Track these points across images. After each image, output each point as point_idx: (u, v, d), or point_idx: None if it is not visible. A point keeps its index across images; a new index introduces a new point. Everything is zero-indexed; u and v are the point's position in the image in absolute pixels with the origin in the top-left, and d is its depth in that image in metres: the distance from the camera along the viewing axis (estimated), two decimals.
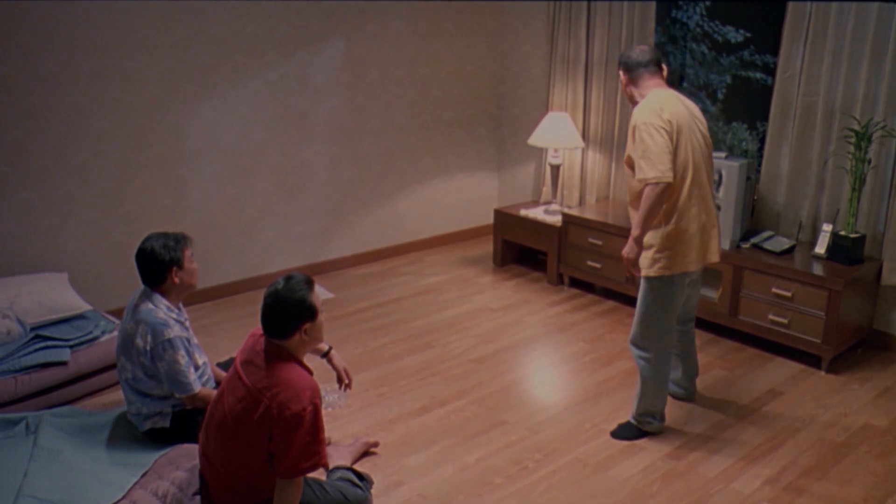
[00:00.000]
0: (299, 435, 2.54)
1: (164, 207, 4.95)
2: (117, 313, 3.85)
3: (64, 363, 3.79)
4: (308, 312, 2.64)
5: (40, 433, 3.33)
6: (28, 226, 4.45)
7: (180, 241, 3.30)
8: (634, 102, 3.44)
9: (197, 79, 4.90)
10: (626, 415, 3.83)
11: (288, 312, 2.63)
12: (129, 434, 3.42)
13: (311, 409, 2.56)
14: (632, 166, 3.35)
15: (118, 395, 3.75)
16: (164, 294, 3.31)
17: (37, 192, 4.45)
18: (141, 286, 3.34)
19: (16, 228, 4.42)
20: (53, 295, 4.12)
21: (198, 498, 2.91)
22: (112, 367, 3.80)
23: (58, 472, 3.09)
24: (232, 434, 2.65)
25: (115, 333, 3.66)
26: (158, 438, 3.34)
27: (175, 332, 3.22)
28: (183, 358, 3.22)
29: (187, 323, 3.43)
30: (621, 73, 3.48)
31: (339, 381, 3.27)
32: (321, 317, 2.70)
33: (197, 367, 3.36)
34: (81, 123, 4.52)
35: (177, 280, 3.29)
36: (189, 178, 5.03)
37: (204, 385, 3.39)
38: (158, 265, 3.25)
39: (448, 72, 6.18)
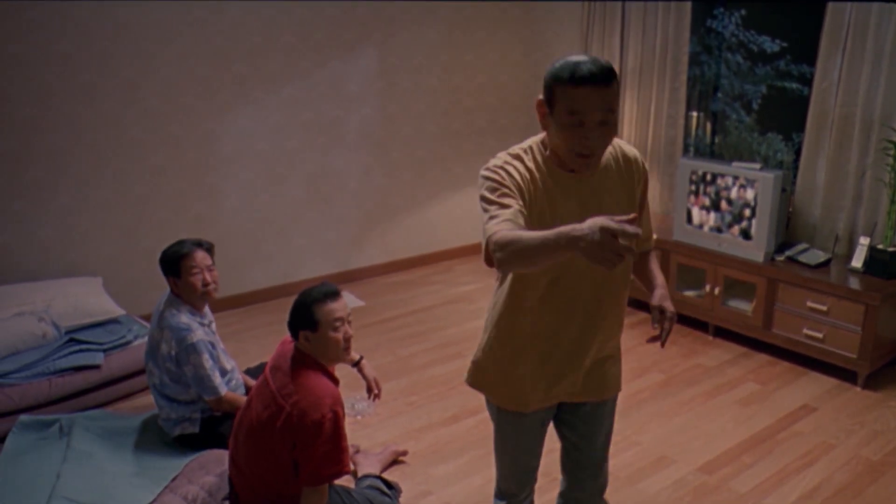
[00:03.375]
0: (320, 443, 2.54)
1: (197, 214, 4.99)
2: (150, 318, 3.90)
3: (97, 367, 3.84)
4: (304, 321, 2.65)
5: (73, 436, 3.38)
6: (64, 231, 4.52)
7: (184, 253, 3.32)
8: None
9: (230, 87, 4.95)
10: (658, 426, 3.79)
11: (292, 314, 2.69)
12: (160, 438, 3.45)
13: (330, 416, 2.55)
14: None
15: (149, 399, 3.78)
16: (185, 299, 3.34)
17: (73, 198, 4.51)
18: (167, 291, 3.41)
19: (52, 233, 4.48)
20: (88, 299, 4.18)
21: (227, 503, 2.92)
22: (144, 371, 3.83)
23: (90, 474, 3.13)
24: (259, 440, 2.65)
25: (146, 339, 3.70)
26: (188, 444, 3.37)
27: (198, 335, 3.25)
28: (207, 361, 3.24)
29: (213, 327, 3.46)
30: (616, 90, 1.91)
31: (369, 391, 3.27)
32: (327, 332, 2.65)
33: (225, 373, 3.39)
34: (117, 131, 4.58)
35: (176, 289, 3.35)
36: (222, 185, 5.07)
37: (233, 391, 3.42)
38: (163, 272, 3.36)
39: (480, 81, 6.18)
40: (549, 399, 2.24)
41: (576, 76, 1.84)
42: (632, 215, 1.61)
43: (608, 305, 2.15)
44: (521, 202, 1.92)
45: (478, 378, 2.29)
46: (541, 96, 1.96)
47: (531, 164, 2.01)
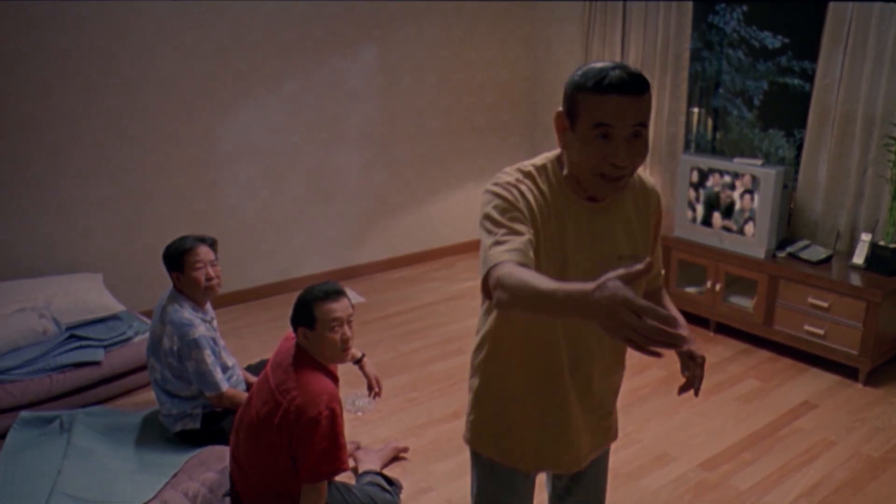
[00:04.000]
0: (316, 440, 2.54)
1: (198, 211, 4.99)
2: (150, 314, 3.91)
3: (97, 363, 3.84)
4: (304, 318, 2.65)
5: (74, 432, 3.38)
6: (65, 227, 4.52)
7: (187, 248, 3.33)
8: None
9: (231, 84, 4.95)
10: (658, 424, 3.79)
11: (293, 311, 2.69)
12: (161, 435, 3.45)
13: (327, 414, 2.54)
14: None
15: (150, 395, 3.78)
16: (188, 295, 3.35)
17: (73, 195, 4.51)
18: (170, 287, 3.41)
19: (53, 230, 4.48)
20: (88, 295, 4.18)
21: (227, 499, 2.92)
22: (144, 367, 3.84)
23: (91, 470, 3.13)
24: (258, 437, 2.65)
25: (147, 334, 3.71)
26: (189, 440, 3.37)
27: (200, 331, 3.26)
28: (209, 357, 3.25)
29: (214, 323, 3.47)
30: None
31: (370, 389, 3.28)
32: (324, 332, 2.65)
33: (226, 369, 3.39)
34: (118, 127, 4.57)
35: (179, 284, 3.35)
36: (222, 181, 5.07)
37: (233, 388, 3.42)
38: (166, 266, 3.36)
39: (481, 78, 6.18)
40: (549, 467, 2.03)
41: (603, 83, 1.59)
42: (646, 261, 1.34)
43: (611, 351, 1.94)
44: (531, 230, 1.67)
45: (473, 433, 2.01)
46: (560, 108, 1.70)
47: (545, 186, 1.75)
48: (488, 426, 1.98)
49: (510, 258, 1.56)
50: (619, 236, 1.84)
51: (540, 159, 1.81)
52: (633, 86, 1.60)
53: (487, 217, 1.68)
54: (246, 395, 3.31)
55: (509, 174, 1.77)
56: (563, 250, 1.76)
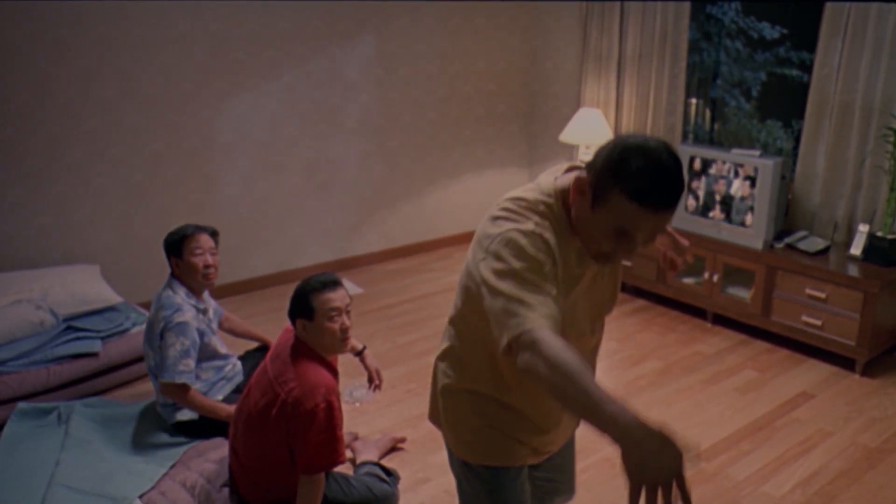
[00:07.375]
0: (313, 432, 2.54)
1: (195, 202, 4.98)
2: (148, 306, 3.91)
3: (95, 354, 3.83)
4: (302, 309, 2.65)
5: (72, 423, 3.38)
6: (61, 219, 4.51)
7: (188, 233, 3.34)
8: None
9: (229, 74, 4.93)
10: (656, 414, 3.79)
11: (291, 303, 2.69)
12: (159, 426, 3.45)
13: (324, 406, 2.55)
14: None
15: (148, 386, 3.78)
16: (185, 282, 3.35)
17: (70, 186, 4.50)
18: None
19: (49, 221, 4.47)
20: (85, 287, 4.17)
21: (226, 490, 2.92)
22: (142, 359, 3.83)
23: (89, 461, 3.13)
24: (256, 428, 2.66)
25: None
26: (187, 431, 3.37)
27: (186, 317, 3.23)
28: (182, 345, 3.19)
29: (210, 314, 3.45)
30: None
31: (370, 381, 3.28)
32: (323, 322, 2.65)
33: (217, 356, 3.38)
34: (114, 118, 4.56)
35: (177, 270, 3.36)
36: (220, 172, 5.06)
37: (231, 379, 3.42)
38: (165, 252, 3.36)
39: (479, 68, 6.16)
40: (537, 456, 1.99)
41: (648, 200, 1.47)
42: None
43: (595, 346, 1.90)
44: (555, 286, 1.53)
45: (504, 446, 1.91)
46: (585, 174, 1.57)
47: (558, 230, 1.62)
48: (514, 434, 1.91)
49: (545, 325, 1.43)
50: (606, 286, 1.82)
51: (543, 194, 1.65)
52: (675, 202, 1.50)
53: (511, 274, 1.51)
54: (220, 406, 3.27)
55: (525, 217, 1.60)
56: (571, 299, 1.68)
